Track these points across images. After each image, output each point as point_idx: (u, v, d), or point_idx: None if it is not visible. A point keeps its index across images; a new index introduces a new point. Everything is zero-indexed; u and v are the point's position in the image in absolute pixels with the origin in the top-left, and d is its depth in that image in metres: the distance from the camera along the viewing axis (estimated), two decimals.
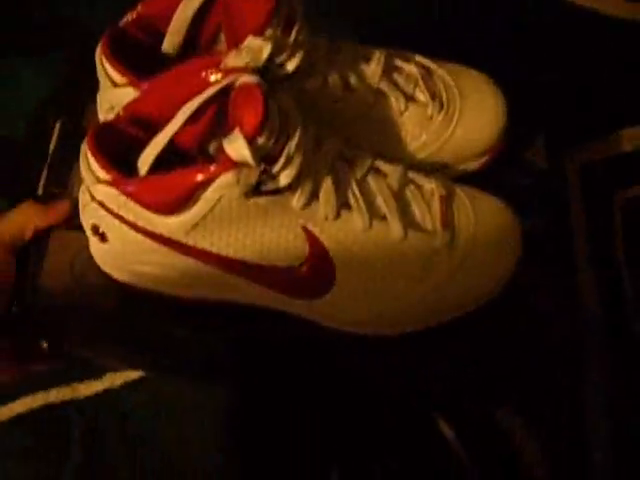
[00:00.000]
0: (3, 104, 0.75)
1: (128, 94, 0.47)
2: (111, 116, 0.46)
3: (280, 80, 0.47)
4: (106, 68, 0.49)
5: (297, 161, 0.42)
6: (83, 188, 0.45)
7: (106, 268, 0.49)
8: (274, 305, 0.49)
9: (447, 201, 0.48)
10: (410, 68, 0.54)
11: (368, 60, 0.53)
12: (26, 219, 0.52)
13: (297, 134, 0.42)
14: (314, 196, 0.44)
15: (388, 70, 0.53)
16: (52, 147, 0.58)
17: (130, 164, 0.43)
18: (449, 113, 0.53)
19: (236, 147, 0.40)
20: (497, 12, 0.73)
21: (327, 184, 0.44)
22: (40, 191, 0.55)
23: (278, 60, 0.47)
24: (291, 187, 0.43)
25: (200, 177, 0.40)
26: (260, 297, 0.48)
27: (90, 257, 0.49)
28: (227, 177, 0.40)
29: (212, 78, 0.43)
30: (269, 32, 0.46)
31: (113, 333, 0.53)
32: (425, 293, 0.47)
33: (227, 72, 0.43)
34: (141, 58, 0.49)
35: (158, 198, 0.42)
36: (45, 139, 0.59)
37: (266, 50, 0.44)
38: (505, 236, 0.49)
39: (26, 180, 0.58)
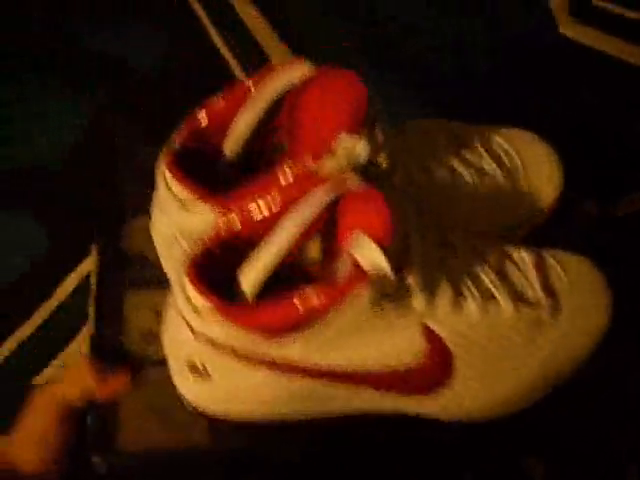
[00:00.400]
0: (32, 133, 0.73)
1: (202, 213, 0.43)
2: (184, 242, 0.43)
3: (374, 179, 0.45)
4: (172, 186, 0.44)
5: (419, 260, 0.41)
6: (177, 321, 0.41)
7: (202, 404, 0.44)
8: (379, 408, 0.46)
9: (540, 266, 0.48)
10: (473, 141, 0.55)
11: (435, 136, 0.53)
12: (82, 386, 0.47)
13: (414, 233, 0.41)
14: (433, 293, 0.42)
15: (457, 145, 0.54)
16: (94, 279, 0.52)
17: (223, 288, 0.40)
18: (512, 172, 0.54)
19: (370, 256, 0.38)
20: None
21: (442, 278, 0.43)
22: (91, 330, 0.49)
23: (372, 158, 0.45)
24: (413, 288, 0.41)
25: (329, 295, 0.38)
26: (366, 402, 0.45)
27: (174, 393, 0.45)
28: (360, 292, 0.38)
29: (310, 187, 0.40)
30: (363, 129, 0.43)
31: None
32: (535, 365, 0.47)
33: (328, 179, 0.41)
34: (202, 171, 0.45)
35: (275, 324, 0.39)
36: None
37: (365, 149, 0.43)
38: (597, 290, 0.49)
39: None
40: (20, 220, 0.69)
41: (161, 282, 0.49)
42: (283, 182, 0.42)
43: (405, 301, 0.41)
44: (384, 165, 0.46)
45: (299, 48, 0.75)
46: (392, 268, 0.38)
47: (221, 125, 0.46)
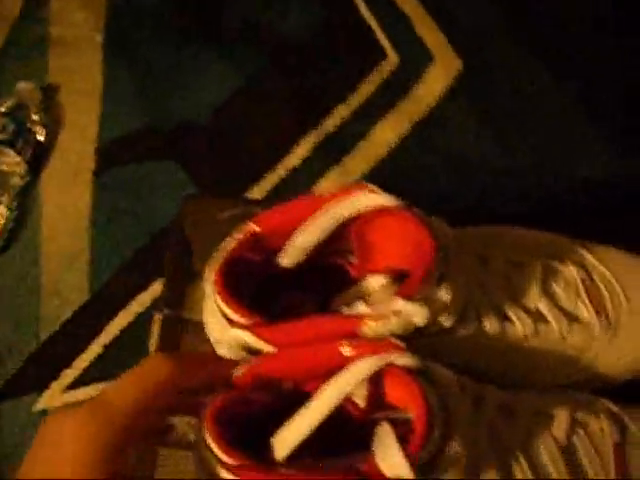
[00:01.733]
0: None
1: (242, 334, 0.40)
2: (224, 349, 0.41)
3: (433, 335, 0.40)
4: (222, 308, 0.40)
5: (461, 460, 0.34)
6: None
7: None
8: None
9: (621, 450, 0.41)
10: (568, 271, 0.46)
11: (523, 269, 0.45)
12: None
13: (461, 432, 0.34)
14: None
15: (546, 279, 0.45)
16: (152, 345, 0.52)
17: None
18: (614, 328, 0.45)
19: (394, 466, 0.32)
20: None
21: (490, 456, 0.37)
22: None
23: (433, 317, 0.39)
24: None
25: None
26: None
27: None
28: None
29: (352, 352, 0.36)
30: (422, 292, 0.38)
31: None
32: None
33: (373, 347, 0.36)
34: (255, 281, 0.43)
35: None
36: None
37: (422, 317, 0.37)
38: None
39: None
40: None
41: None
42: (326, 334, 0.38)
43: None
44: (446, 324, 0.40)
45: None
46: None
47: (276, 238, 0.42)
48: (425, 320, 0.37)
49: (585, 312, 0.45)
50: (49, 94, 0.75)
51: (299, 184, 0.67)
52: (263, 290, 0.44)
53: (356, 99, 0.70)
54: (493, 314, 0.43)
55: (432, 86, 0.70)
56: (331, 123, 0.69)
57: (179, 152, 0.71)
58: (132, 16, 0.78)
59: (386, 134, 0.68)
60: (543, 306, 0.44)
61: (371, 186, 0.41)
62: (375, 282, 0.42)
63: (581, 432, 0.41)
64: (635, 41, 0.70)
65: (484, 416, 0.39)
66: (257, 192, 0.68)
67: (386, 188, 0.64)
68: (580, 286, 0.46)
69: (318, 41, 0.74)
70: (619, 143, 0.65)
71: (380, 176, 0.66)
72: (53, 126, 0.73)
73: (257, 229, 0.41)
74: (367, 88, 0.70)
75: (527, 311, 0.43)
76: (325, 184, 0.66)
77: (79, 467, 0.34)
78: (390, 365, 0.35)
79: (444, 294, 0.39)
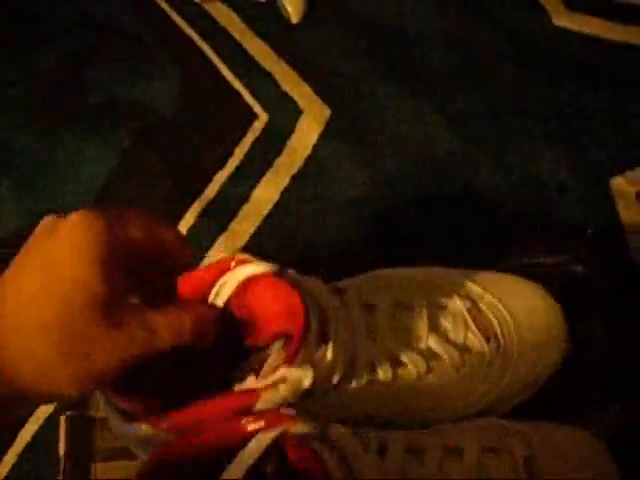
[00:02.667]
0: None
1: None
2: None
3: (327, 392, 0.41)
4: (115, 402, 0.40)
5: None
6: None
7: None
8: None
9: (530, 462, 0.42)
10: (454, 304, 0.47)
11: (410, 311, 0.46)
12: None
13: None
14: None
15: (433, 316, 0.46)
16: (62, 447, 0.51)
17: None
18: (506, 350, 0.47)
19: None
20: None
21: None
22: None
23: (320, 377, 0.39)
24: None
25: None
26: None
27: None
28: None
29: (250, 427, 0.36)
30: (304, 354, 0.38)
31: None
32: None
33: (267, 419, 0.36)
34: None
35: None
36: None
37: (307, 379, 0.38)
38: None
39: None
40: None
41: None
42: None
43: None
44: (334, 381, 0.41)
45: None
46: None
47: None
48: (311, 382, 0.38)
49: (476, 342, 0.46)
50: None
51: None
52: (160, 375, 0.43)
53: (233, 162, 0.71)
54: (385, 361, 0.43)
55: (305, 137, 0.71)
56: (212, 190, 0.70)
57: None
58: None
59: (267, 192, 0.69)
60: (433, 343, 0.45)
61: (242, 256, 0.41)
62: (264, 352, 0.42)
63: (491, 456, 0.42)
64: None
65: (393, 464, 0.39)
66: None
67: (273, 246, 0.66)
68: (467, 317, 0.47)
69: (187, 111, 0.75)
70: (491, 168, 0.68)
71: (267, 234, 0.67)
72: None
73: None
74: (242, 150, 0.71)
75: (418, 351, 0.44)
76: (213, 252, 0.66)
77: (82, 256, 0.32)
78: (285, 435, 0.35)
79: (328, 353, 0.39)
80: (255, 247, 0.66)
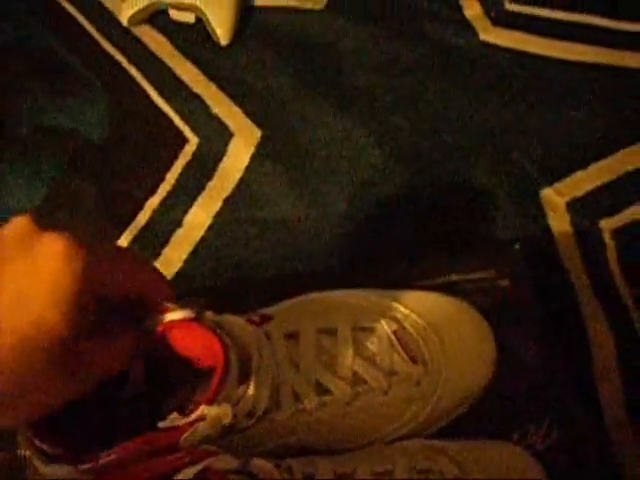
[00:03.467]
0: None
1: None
2: None
3: (251, 426, 0.41)
4: (36, 443, 0.38)
5: None
6: None
7: None
8: None
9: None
10: (379, 326, 0.47)
11: (335, 336, 0.46)
12: None
13: None
14: None
15: (358, 340, 0.46)
16: None
17: None
18: (433, 369, 0.47)
19: None
20: None
21: None
22: None
23: (242, 412, 0.40)
24: None
25: None
26: None
27: None
28: None
29: (174, 464, 0.36)
30: (226, 392, 0.38)
31: None
32: None
33: (191, 455, 0.36)
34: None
35: None
36: None
37: (227, 417, 0.38)
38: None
39: None
40: None
41: None
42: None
43: None
44: (258, 413, 0.41)
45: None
46: None
47: None
48: (231, 418, 0.38)
49: (402, 363, 0.47)
50: None
51: None
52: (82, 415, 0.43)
53: (164, 188, 0.70)
54: (311, 390, 0.43)
55: (236, 160, 0.71)
56: (144, 216, 0.69)
57: None
58: None
59: (200, 217, 0.68)
60: (359, 368, 0.45)
61: (164, 305, 0.41)
62: (188, 389, 0.42)
63: (421, 477, 0.42)
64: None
65: None
66: None
67: (207, 270, 0.65)
68: (393, 338, 0.47)
69: (117, 137, 0.74)
70: (421, 184, 0.69)
71: (201, 258, 0.66)
72: None
73: None
74: (173, 175, 0.71)
75: (344, 378, 0.44)
76: None
77: (56, 297, 0.31)
78: (208, 469, 0.35)
79: (250, 389, 0.39)
80: (189, 272, 0.66)
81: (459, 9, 0.79)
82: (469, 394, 0.49)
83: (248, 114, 0.74)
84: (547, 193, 0.67)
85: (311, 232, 0.67)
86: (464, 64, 0.76)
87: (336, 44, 0.78)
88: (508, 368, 0.50)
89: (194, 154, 0.72)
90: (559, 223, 0.65)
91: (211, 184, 0.70)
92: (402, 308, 0.49)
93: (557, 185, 0.67)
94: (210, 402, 0.38)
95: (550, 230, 0.65)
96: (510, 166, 0.69)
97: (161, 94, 0.76)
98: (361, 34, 0.78)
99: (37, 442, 0.39)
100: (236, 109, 0.74)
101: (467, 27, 0.78)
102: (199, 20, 0.79)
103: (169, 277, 0.65)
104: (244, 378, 0.39)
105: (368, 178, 0.70)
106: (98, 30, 0.82)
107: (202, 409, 0.37)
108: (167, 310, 0.40)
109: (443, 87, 0.74)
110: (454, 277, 0.54)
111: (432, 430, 0.48)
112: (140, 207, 0.69)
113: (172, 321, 0.39)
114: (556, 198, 0.66)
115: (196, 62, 0.78)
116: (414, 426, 0.47)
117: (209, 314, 0.41)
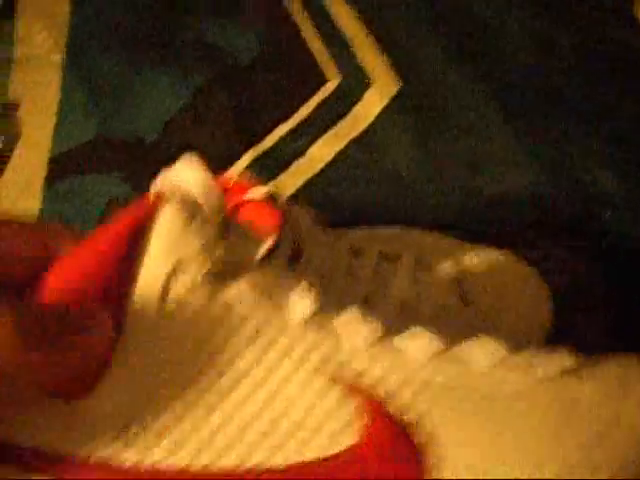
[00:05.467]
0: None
1: None
2: None
3: None
4: None
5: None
6: None
7: None
8: None
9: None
10: (440, 269, 0.48)
11: (394, 262, 0.48)
12: None
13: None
14: None
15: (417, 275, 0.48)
16: None
17: None
18: (488, 316, 0.48)
19: None
20: None
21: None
22: None
23: None
24: None
25: None
26: None
27: None
28: None
29: None
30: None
31: None
32: None
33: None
34: None
35: None
36: None
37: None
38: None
39: None
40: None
41: None
42: None
43: None
44: None
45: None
46: None
47: None
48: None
49: (455, 304, 0.47)
50: (9, 109, 0.79)
51: None
52: None
53: (296, 119, 0.73)
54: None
55: (371, 106, 0.73)
56: (270, 140, 0.72)
57: (124, 165, 0.74)
58: (89, 36, 0.82)
59: (322, 150, 0.71)
60: (411, 300, 0.46)
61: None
62: None
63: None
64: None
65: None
66: None
67: (314, 204, 0.68)
68: (451, 281, 0.48)
69: (262, 62, 0.78)
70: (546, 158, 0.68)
71: (312, 191, 0.69)
72: (10, 139, 0.77)
73: None
74: (307, 109, 0.74)
75: (392, 303, 0.45)
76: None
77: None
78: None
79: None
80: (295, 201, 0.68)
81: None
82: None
83: (392, 65, 0.75)
84: None
85: (422, 190, 0.68)
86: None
87: (492, 20, 0.78)
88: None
89: (331, 94, 0.74)
90: None
91: (341, 123, 0.72)
92: (469, 259, 0.49)
93: None
94: None
95: None
96: None
97: (313, 31, 0.79)
98: (516, 10, 0.78)
99: None
100: (381, 59, 0.76)
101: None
102: None
103: None
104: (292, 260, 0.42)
105: (491, 151, 0.69)
106: None
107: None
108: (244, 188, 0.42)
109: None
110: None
111: None
112: (269, 131, 0.73)
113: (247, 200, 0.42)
114: None
115: (354, 5, 0.80)
116: None
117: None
